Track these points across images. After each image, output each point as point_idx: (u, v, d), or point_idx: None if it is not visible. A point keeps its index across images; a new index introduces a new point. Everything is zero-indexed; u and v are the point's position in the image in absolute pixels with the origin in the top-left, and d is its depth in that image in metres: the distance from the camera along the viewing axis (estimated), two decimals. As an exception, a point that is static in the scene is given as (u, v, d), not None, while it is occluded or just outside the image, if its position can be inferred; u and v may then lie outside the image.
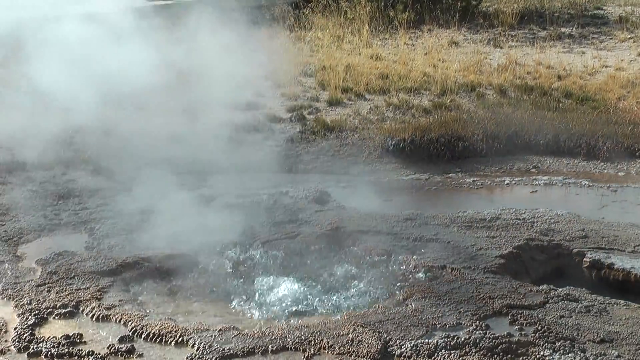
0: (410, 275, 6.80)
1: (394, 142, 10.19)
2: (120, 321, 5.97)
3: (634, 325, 5.82)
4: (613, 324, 5.85)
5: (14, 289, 6.50)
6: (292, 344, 5.58)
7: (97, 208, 8.33)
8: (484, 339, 5.60)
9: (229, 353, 5.50)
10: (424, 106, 11.79)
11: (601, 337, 5.66)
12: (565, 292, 6.35)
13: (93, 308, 6.15)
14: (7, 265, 6.98)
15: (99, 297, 6.33)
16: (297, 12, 17.33)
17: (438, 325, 5.81)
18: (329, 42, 15.48)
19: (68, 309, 6.15)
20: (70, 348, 5.62)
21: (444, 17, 16.89)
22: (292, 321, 6.11)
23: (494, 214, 8.08)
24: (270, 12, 17.01)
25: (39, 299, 6.28)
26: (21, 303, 6.24)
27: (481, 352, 5.47)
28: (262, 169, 9.65)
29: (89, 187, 8.91)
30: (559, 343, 5.58)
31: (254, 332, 5.77)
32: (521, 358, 5.46)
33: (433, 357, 5.43)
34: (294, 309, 6.36)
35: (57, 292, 6.38)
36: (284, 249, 7.31)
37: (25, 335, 5.77)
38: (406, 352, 5.48)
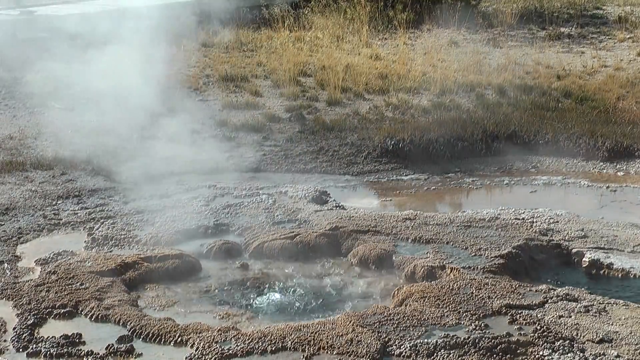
0: (409, 275, 6.81)
1: (393, 141, 10.19)
2: (119, 321, 5.96)
3: (633, 325, 5.81)
4: (612, 324, 5.85)
5: (13, 288, 6.49)
6: (291, 344, 5.57)
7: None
8: (483, 338, 5.59)
9: (228, 353, 5.49)
10: (423, 106, 11.79)
11: (600, 337, 5.66)
12: (564, 291, 6.35)
13: (92, 308, 6.14)
14: (6, 265, 6.97)
15: (98, 297, 6.32)
16: (297, 11, 17.32)
17: (437, 325, 5.81)
18: (328, 42, 15.47)
19: (67, 309, 6.14)
20: (69, 348, 5.61)
21: (443, 17, 16.87)
22: (291, 321, 6.11)
23: (493, 213, 8.07)
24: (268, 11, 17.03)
25: (38, 299, 6.27)
26: (20, 303, 6.23)
27: (480, 352, 5.46)
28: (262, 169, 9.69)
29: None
30: (558, 343, 5.57)
31: (253, 332, 5.76)
32: (520, 358, 5.46)
33: (432, 357, 5.43)
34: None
35: (56, 292, 6.37)
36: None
37: (24, 335, 5.76)
38: (405, 352, 5.48)
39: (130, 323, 5.90)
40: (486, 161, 10.04)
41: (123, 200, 8.54)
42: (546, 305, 6.13)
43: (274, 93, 12.53)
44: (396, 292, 6.47)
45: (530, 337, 5.66)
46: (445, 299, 6.16)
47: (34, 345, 5.64)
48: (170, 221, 7.89)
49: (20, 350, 5.62)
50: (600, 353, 5.47)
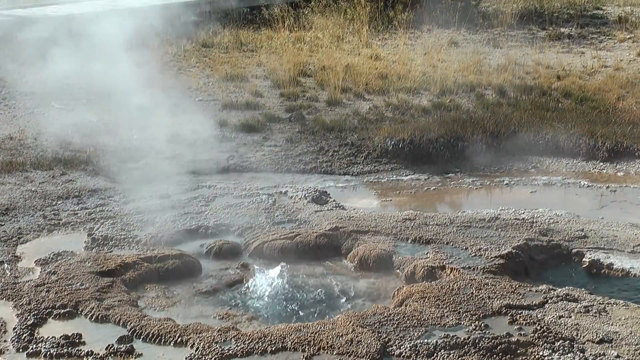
0: (409, 275, 6.81)
1: (393, 142, 10.19)
2: (119, 321, 5.96)
3: (633, 326, 5.81)
4: (612, 324, 5.85)
5: (13, 289, 6.49)
6: (291, 344, 5.57)
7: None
8: (483, 339, 5.59)
9: (228, 353, 5.49)
10: (423, 106, 11.79)
11: (600, 337, 5.66)
12: (564, 292, 6.35)
13: (92, 308, 6.14)
14: (6, 265, 6.97)
15: (98, 297, 6.32)
16: (297, 12, 17.32)
17: (437, 326, 5.81)
18: (328, 42, 15.47)
19: (67, 309, 6.14)
20: (70, 348, 5.61)
21: (443, 17, 16.88)
22: (291, 321, 6.11)
23: (493, 214, 8.07)
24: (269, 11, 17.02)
25: (38, 299, 6.27)
26: (20, 303, 6.23)
27: (480, 352, 5.46)
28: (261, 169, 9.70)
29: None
30: (558, 343, 5.57)
31: (253, 332, 5.76)
32: (520, 358, 5.46)
33: (432, 357, 5.42)
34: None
35: (56, 292, 6.37)
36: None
37: (24, 335, 5.76)
38: (405, 352, 5.48)
39: (130, 323, 5.90)
40: (486, 161, 10.03)
41: (123, 200, 8.54)
42: (546, 306, 6.13)
43: (274, 93, 12.54)
44: (396, 293, 6.47)
45: (530, 337, 5.66)
46: (445, 299, 6.16)
47: (34, 346, 5.64)
48: (170, 221, 7.89)
49: (20, 350, 5.62)
50: (600, 353, 5.47)
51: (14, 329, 5.87)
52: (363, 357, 5.43)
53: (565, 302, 6.19)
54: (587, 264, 7.11)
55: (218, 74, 13.18)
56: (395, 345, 5.55)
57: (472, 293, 6.27)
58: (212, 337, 5.65)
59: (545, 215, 8.02)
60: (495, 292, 6.30)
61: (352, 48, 15.25)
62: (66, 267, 6.83)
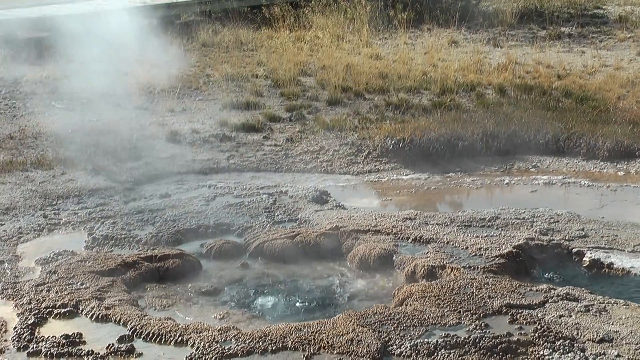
0: (410, 275, 6.81)
1: (393, 141, 10.18)
2: (119, 321, 5.96)
3: (634, 325, 5.82)
4: (613, 324, 5.85)
5: (14, 288, 6.49)
6: (291, 343, 5.57)
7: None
8: (484, 338, 5.59)
9: (228, 353, 5.49)
10: (424, 105, 11.78)
11: (601, 336, 5.66)
12: (564, 291, 6.35)
13: (93, 308, 6.14)
14: (6, 264, 6.98)
15: (98, 296, 6.33)
16: (297, 11, 17.32)
17: (438, 325, 5.81)
18: (328, 41, 15.47)
19: (68, 309, 6.14)
20: (70, 347, 5.61)
21: (443, 16, 16.88)
22: (291, 320, 6.11)
23: (493, 213, 8.07)
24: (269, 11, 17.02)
25: (39, 299, 6.27)
26: (21, 302, 6.24)
27: (481, 352, 5.47)
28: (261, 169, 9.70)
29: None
30: (559, 342, 5.57)
31: (253, 331, 5.76)
32: (521, 357, 5.46)
33: (432, 357, 5.43)
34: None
35: (56, 292, 6.38)
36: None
37: (24, 334, 5.77)
38: (406, 352, 5.48)
39: (131, 323, 5.91)
40: (486, 161, 10.03)
41: (123, 200, 8.54)
42: (546, 305, 6.13)
43: (274, 93, 12.53)
44: (396, 292, 6.47)
45: (531, 336, 5.66)
46: (445, 299, 6.16)
47: (35, 345, 5.64)
48: (171, 221, 7.90)
49: (21, 349, 5.62)
50: (600, 352, 5.47)
51: (15, 328, 5.88)
52: (363, 356, 5.43)
53: (565, 301, 6.19)
54: (588, 263, 7.11)
55: (218, 74, 13.18)
56: (396, 345, 5.55)
57: (473, 292, 6.28)
58: (213, 337, 5.66)
59: (545, 215, 8.02)
60: (495, 292, 6.30)
61: (353, 47, 15.25)
62: (67, 267, 6.83)
